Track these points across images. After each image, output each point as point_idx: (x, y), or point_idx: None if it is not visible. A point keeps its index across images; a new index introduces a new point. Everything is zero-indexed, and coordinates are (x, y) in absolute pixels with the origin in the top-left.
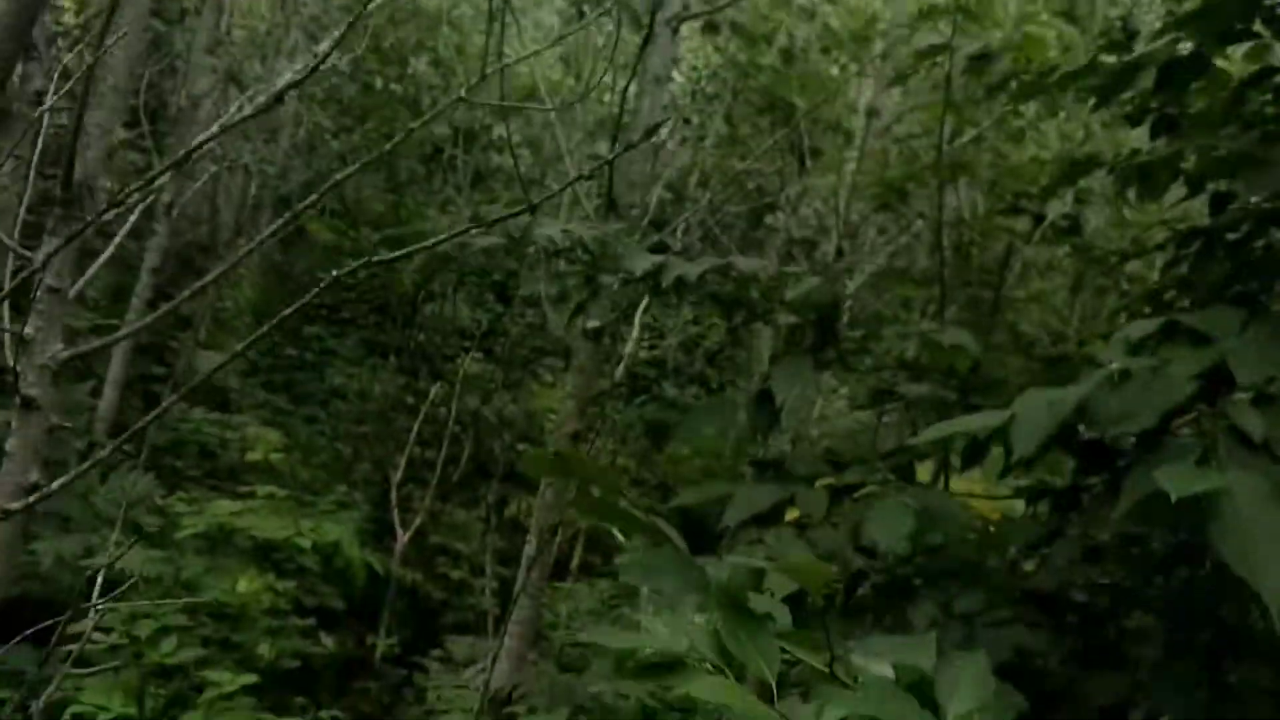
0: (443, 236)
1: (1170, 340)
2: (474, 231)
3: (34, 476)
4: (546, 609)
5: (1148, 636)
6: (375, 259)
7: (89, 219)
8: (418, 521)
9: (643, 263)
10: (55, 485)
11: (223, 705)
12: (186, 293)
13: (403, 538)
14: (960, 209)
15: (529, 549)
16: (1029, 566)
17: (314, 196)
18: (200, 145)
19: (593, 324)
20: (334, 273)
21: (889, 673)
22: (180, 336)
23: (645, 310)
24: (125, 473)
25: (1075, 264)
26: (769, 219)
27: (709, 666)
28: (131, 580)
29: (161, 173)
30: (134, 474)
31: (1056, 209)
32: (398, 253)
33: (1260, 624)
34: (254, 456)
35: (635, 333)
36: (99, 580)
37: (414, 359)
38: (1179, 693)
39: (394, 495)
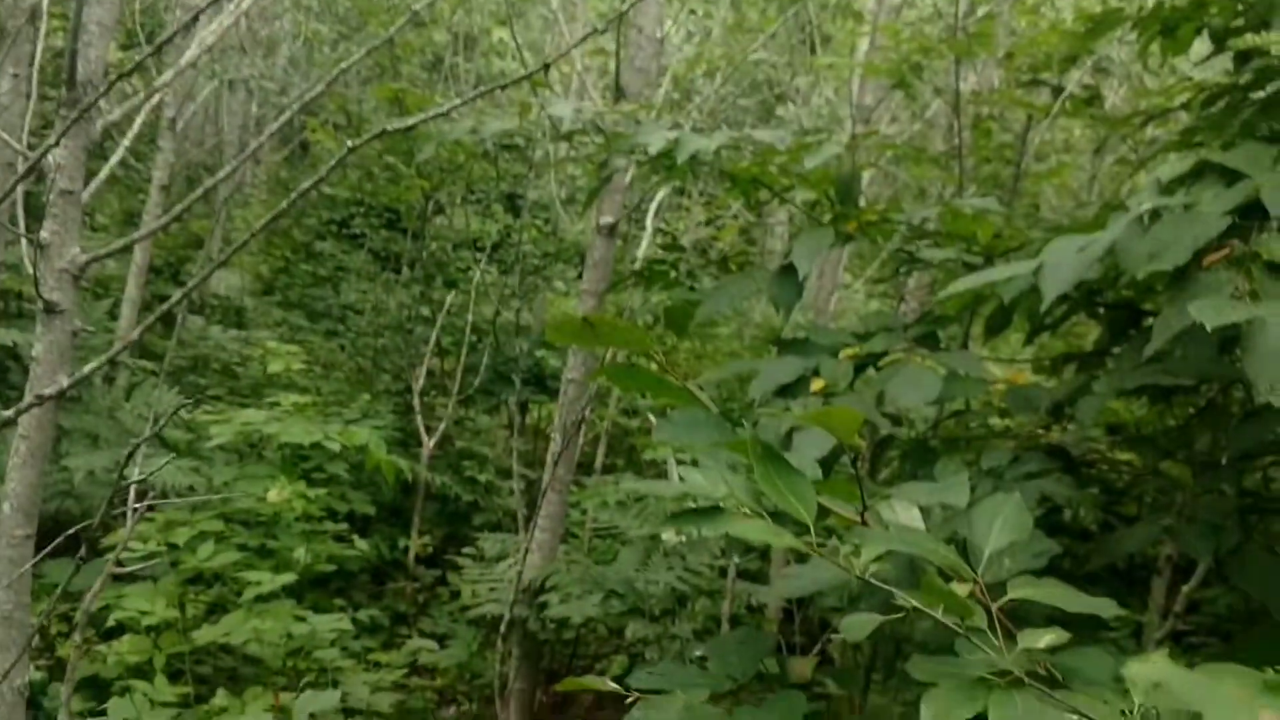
0: (455, 103)
1: (1201, 180)
2: (484, 112)
3: (62, 380)
4: (573, 506)
5: (1168, 507)
6: (387, 130)
7: (93, 102)
8: (442, 428)
9: (657, 138)
10: (87, 370)
11: (262, 607)
12: (197, 192)
13: (428, 443)
14: (978, 85)
15: (554, 446)
16: (1054, 434)
17: (315, 90)
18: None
19: (606, 220)
20: (350, 143)
21: (919, 521)
22: (194, 256)
23: (657, 214)
24: (150, 389)
25: (1095, 134)
26: (780, 111)
27: (746, 511)
28: (150, 486)
29: (154, 52)
30: (158, 390)
31: (1076, 80)
32: (409, 122)
33: None
34: (275, 369)
35: (649, 232)
36: (132, 490)
37: (427, 270)
38: (1207, 536)
39: (417, 403)
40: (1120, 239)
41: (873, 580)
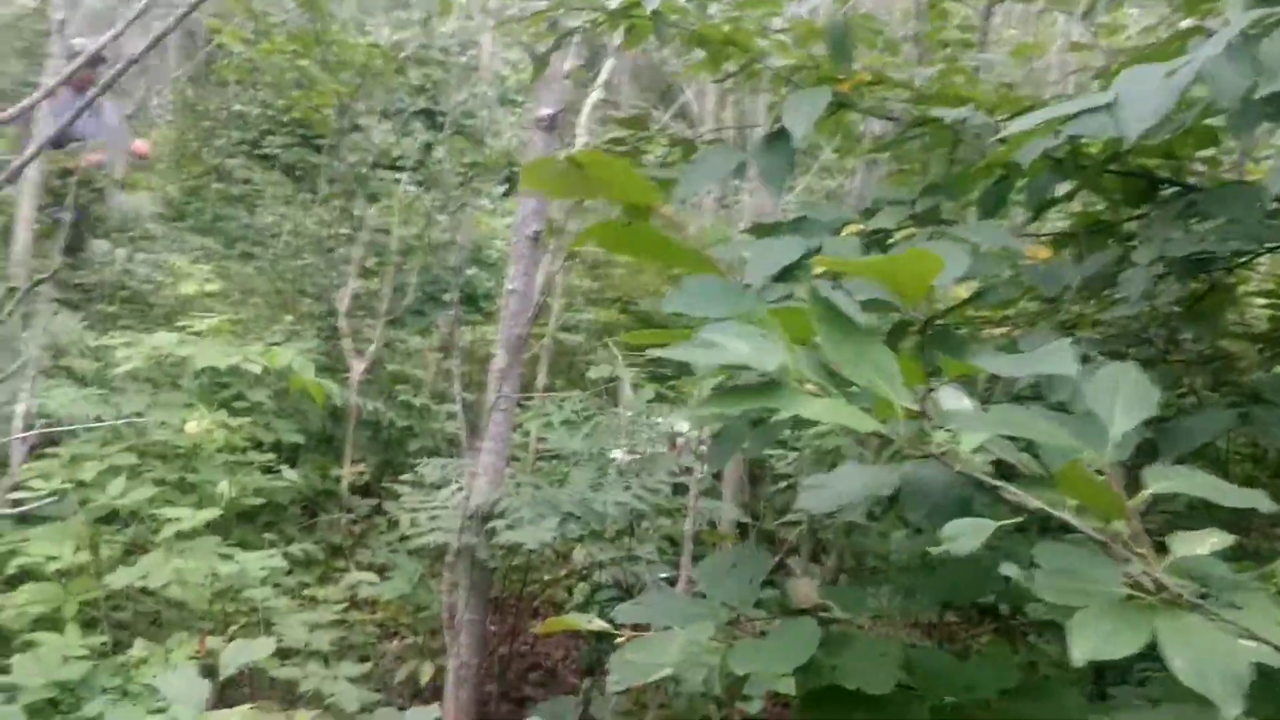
0: None
1: None
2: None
3: None
4: (514, 429)
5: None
6: None
7: None
8: (372, 351)
9: None
10: None
11: (185, 545)
12: (81, 104)
13: (357, 367)
14: None
15: (496, 361)
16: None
17: None
18: None
19: (546, 112)
20: None
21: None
22: (95, 176)
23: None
24: (50, 316)
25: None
26: None
27: (811, 387)
28: (52, 418)
29: None
30: (60, 315)
31: None
32: None
33: None
34: (188, 291)
35: (583, 117)
36: (15, 420)
37: (346, 186)
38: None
39: (343, 324)
40: (1211, 62)
41: (980, 475)
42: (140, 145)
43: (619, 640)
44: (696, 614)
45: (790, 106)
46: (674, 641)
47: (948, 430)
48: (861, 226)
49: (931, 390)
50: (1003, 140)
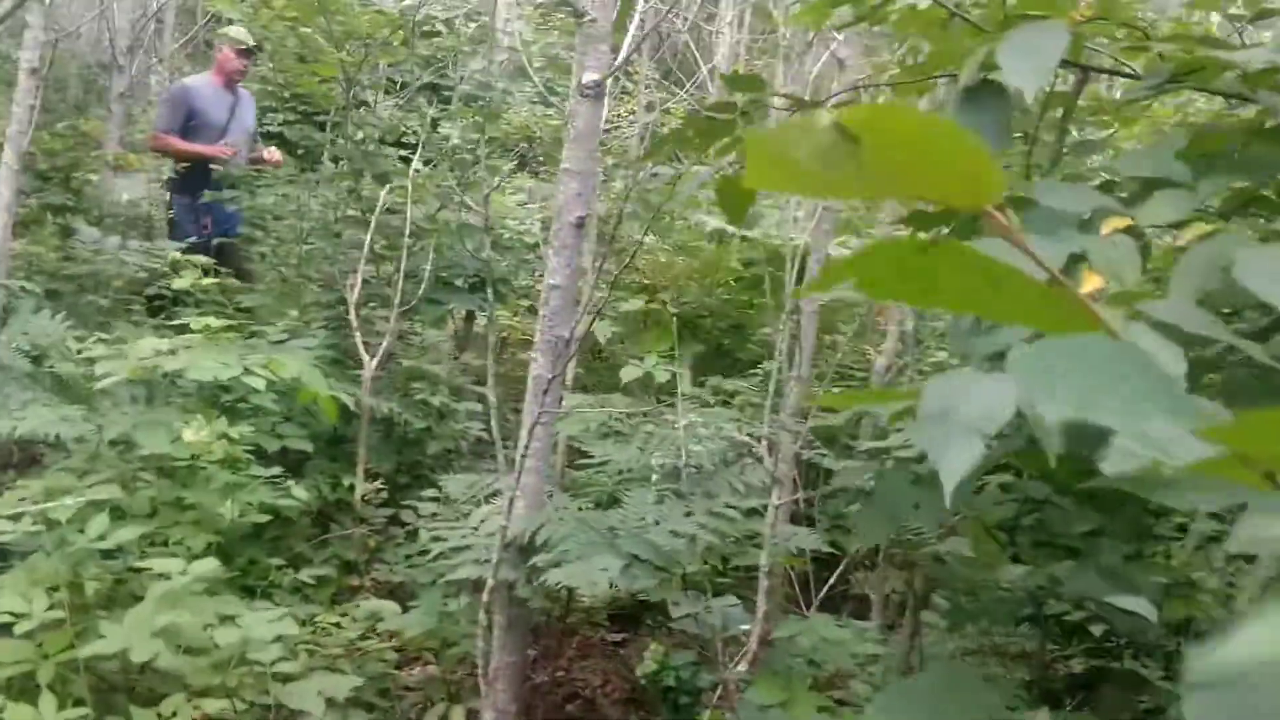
0: None
1: None
2: None
3: None
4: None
5: None
6: None
7: None
8: (385, 345)
9: None
10: None
11: (185, 589)
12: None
13: (370, 364)
14: None
15: (535, 368)
16: None
17: None
18: None
19: (590, 77)
20: None
21: None
22: (85, 160)
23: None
24: (31, 314)
25: None
26: None
27: None
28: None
29: None
30: (42, 313)
31: None
32: None
33: None
34: (181, 284)
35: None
36: None
37: (354, 164)
38: None
39: (354, 316)
40: None
41: None
42: (273, 154)
43: None
44: None
45: (1012, 48)
46: None
47: None
48: (1128, 220)
49: None
50: None
